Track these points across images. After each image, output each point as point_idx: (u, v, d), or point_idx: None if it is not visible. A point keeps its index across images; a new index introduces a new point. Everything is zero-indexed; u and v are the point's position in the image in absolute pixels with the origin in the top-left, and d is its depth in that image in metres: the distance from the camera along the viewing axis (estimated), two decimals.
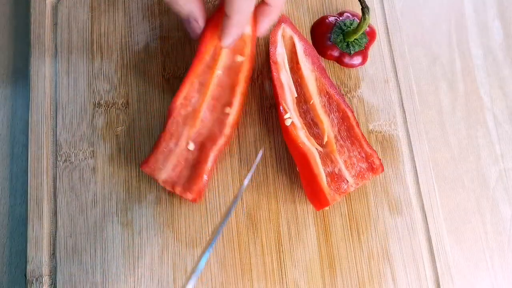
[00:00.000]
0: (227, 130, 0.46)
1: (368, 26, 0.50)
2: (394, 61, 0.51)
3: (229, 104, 0.47)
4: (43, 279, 0.45)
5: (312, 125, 0.47)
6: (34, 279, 0.45)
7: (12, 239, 0.48)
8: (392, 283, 0.45)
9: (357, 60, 0.50)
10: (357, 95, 0.50)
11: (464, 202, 0.48)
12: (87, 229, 0.46)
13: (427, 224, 0.46)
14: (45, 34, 0.51)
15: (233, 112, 0.46)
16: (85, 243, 0.46)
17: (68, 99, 0.50)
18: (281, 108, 0.46)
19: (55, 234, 0.46)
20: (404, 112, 0.49)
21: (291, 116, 0.45)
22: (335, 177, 0.45)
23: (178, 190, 0.45)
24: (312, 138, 0.46)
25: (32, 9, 0.52)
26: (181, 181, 0.45)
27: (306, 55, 0.48)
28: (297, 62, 0.48)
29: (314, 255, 0.45)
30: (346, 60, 0.50)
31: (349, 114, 0.46)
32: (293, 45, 0.48)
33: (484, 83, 0.52)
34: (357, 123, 0.46)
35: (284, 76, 0.47)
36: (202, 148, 0.46)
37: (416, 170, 0.47)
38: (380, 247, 0.45)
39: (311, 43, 0.49)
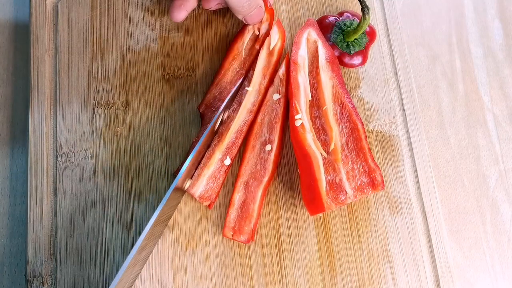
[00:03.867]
0: (270, 166, 0.46)
1: (368, 26, 0.49)
2: (394, 61, 0.51)
3: (269, 141, 0.47)
4: (43, 279, 0.45)
5: (321, 131, 0.47)
6: (34, 279, 0.45)
7: (12, 239, 0.48)
8: (392, 283, 0.45)
9: (357, 60, 0.50)
10: (357, 95, 0.50)
11: (464, 202, 0.48)
12: (87, 229, 0.46)
13: (427, 224, 0.46)
14: (45, 34, 0.51)
15: (274, 148, 0.47)
16: (85, 243, 0.46)
17: (68, 99, 0.50)
18: (293, 108, 0.46)
19: (55, 234, 0.46)
20: (404, 112, 0.49)
21: (302, 118, 0.45)
22: (335, 186, 0.45)
23: (228, 234, 0.45)
24: (318, 143, 0.46)
25: (32, 9, 0.52)
26: (231, 223, 0.46)
27: (327, 61, 0.48)
28: (317, 67, 0.48)
29: (314, 255, 0.45)
30: (346, 60, 0.50)
31: (359, 126, 0.46)
32: (316, 50, 0.48)
33: (484, 83, 0.51)
34: (366, 137, 0.46)
35: (301, 78, 0.47)
36: (247, 187, 0.46)
37: (416, 170, 0.47)
38: (380, 247, 0.45)
39: (333, 52, 0.49)
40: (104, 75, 0.50)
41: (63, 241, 0.46)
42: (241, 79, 0.48)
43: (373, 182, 0.45)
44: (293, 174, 0.47)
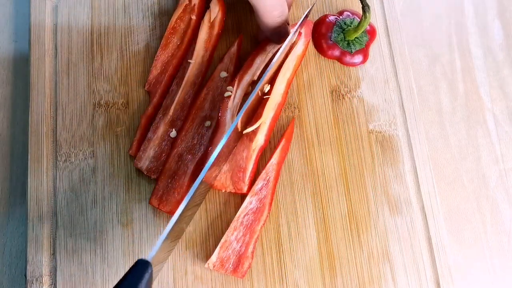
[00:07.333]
0: (206, 143, 0.46)
1: (368, 25, 0.50)
2: (394, 61, 0.51)
3: (209, 117, 0.47)
4: (43, 279, 0.45)
5: (252, 118, 0.46)
6: (34, 279, 0.45)
7: (12, 239, 0.48)
8: (392, 283, 0.45)
9: (358, 58, 0.50)
10: (357, 95, 0.50)
11: (464, 202, 0.48)
12: (87, 229, 0.46)
13: (427, 224, 0.46)
14: (45, 34, 0.51)
15: (213, 125, 0.47)
16: (85, 243, 0.46)
17: (68, 99, 0.50)
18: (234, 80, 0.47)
19: (55, 234, 0.46)
20: (404, 112, 0.49)
21: (233, 92, 0.46)
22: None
23: (155, 203, 0.45)
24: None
25: (32, 9, 0.52)
26: (159, 192, 0.45)
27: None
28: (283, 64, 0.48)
29: (314, 255, 0.45)
30: (347, 59, 0.50)
31: (265, 212, 0.44)
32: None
33: (484, 83, 0.52)
34: (263, 225, 0.44)
35: (259, 59, 0.48)
36: (181, 160, 0.46)
37: (416, 170, 0.47)
38: (380, 247, 0.45)
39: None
40: (104, 75, 0.50)
41: (63, 241, 0.46)
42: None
43: (237, 267, 0.43)
44: (293, 174, 0.47)
